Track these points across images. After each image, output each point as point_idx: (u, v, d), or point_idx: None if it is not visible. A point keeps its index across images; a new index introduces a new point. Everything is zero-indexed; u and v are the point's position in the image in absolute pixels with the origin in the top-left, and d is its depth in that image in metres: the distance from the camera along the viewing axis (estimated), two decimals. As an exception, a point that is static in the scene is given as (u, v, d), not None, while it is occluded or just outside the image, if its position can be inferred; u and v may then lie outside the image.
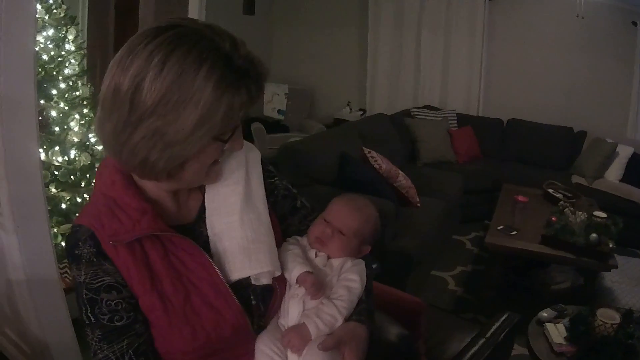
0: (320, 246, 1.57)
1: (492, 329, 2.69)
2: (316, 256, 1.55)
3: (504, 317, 2.81)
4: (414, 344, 2.21)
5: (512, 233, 4.42)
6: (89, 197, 1.41)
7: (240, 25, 8.55)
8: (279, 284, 1.47)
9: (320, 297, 1.45)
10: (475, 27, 7.68)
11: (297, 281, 1.46)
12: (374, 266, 3.00)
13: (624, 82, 7.03)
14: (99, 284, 1.28)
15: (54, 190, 3.57)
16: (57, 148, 3.55)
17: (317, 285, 1.45)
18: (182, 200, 1.47)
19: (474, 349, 2.52)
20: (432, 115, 7.56)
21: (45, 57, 3.60)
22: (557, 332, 3.07)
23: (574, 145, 7.01)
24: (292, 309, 1.45)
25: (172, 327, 1.30)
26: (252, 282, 1.41)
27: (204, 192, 1.47)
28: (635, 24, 6.82)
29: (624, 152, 6.45)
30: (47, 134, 3.50)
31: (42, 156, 3.32)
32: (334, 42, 9.13)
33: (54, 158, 3.55)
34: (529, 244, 4.25)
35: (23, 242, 2.86)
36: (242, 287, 1.41)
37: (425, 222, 4.89)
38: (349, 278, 1.51)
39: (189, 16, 7.01)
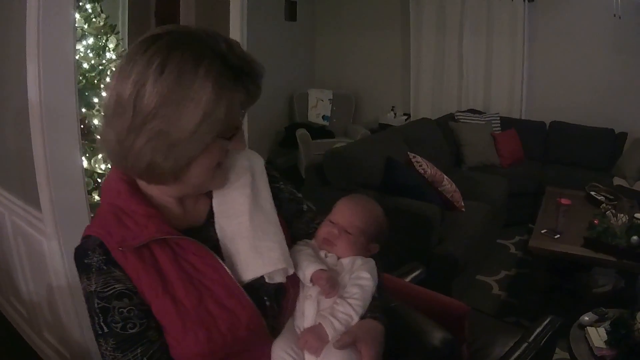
0: (328, 247, 1.59)
1: (535, 334, 2.73)
2: (326, 257, 1.58)
3: (546, 322, 2.85)
4: (457, 348, 2.25)
5: (556, 236, 4.41)
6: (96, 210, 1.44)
7: (282, 31, 8.64)
8: (292, 283, 1.48)
9: (335, 294, 1.47)
10: (516, 29, 7.65)
11: (311, 279, 1.48)
12: (419, 271, 3.10)
13: (664, 82, 6.94)
14: (110, 291, 1.28)
15: (97, 197, 3.58)
16: (100, 156, 3.59)
17: (332, 282, 1.47)
18: (189, 206, 1.48)
19: (517, 354, 2.58)
20: (476, 118, 7.55)
21: (86, 65, 3.62)
22: (597, 336, 3.06)
23: (615, 147, 6.95)
24: (308, 310, 1.47)
25: (186, 330, 1.30)
26: (267, 280, 1.42)
27: (212, 198, 1.49)
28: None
29: (664, 153, 6.35)
30: (89, 142, 3.53)
31: (85, 164, 3.37)
32: (377, 47, 9.13)
33: (97, 166, 3.59)
34: (571, 247, 4.24)
35: (65, 249, 2.93)
36: (255, 288, 1.42)
37: (470, 226, 4.91)
38: (361, 276, 1.53)
39: (230, 22, 7.15)
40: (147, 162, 1.24)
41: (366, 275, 1.53)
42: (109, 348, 1.28)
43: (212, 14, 8.76)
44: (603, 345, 3.02)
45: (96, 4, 3.72)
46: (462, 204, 5.17)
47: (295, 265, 1.49)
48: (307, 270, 1.48)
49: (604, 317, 3.28)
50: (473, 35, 8.07)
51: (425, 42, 8.52)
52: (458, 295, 4.32)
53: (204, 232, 1.46)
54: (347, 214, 1.65)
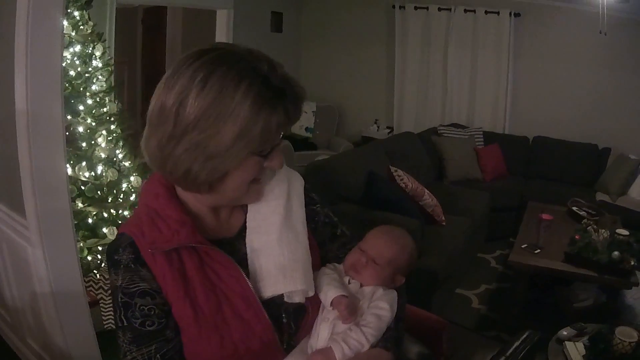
0: (354, 274, 1.60)
1: (512, 348, 2.71)
2: (349, 282, 1.58)
3: (524, 336, 2.82)
4: (434, 362, 2.24)
5: (536, 251, 4.41)
6: (134, 210, 1.50)
7: (268, 42, 8.62)
8: (312, 304, 1.50)
9: (351, 321, 1.47)
10: (502, 44, 7.70)
11: (331, 303, 1.48)
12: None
13: (648, 98, 6.99)
14: (135, 289, 1.34)
15: (80, 205, 3.61)
16: (84, 163, 3.60)
17: (351, 309, 1.47)
18: (224, 217, 1.52)
19: (493, 368, 2.57)
20: (459, 133, 7.58)
21: (72, 73, 3.64)
22: (576, 351, 3.04)
23: (599, 162, 7.01)
24: (322, 332, 1.48)
25: (201, 335, 1.35)
26: (285, 299, 1.45)
27: (247, 212, 1.52)
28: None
29: (648, 168, 6.39)
30: (74, 149, 3.54)
31: (69, 171, 3.36)
32: (362, 60, 9.15)
33: (81, 173, 3.60)
34: (552, 262, 4.24)
35: (49, 256, 2.91)
36: (275, 304, 1.44)
37: (451, 240, 4.90)
38: (379, 306, 1.53)
39: (217, 32, 7.23)
40: (184, 169, 1.28)
41: (385, 305, 1.54)
42: (125, 340, 1.35)
43: (199, 24, 8.78)
44: (581, 360, 3.01)
45: (84, 12, 3.72)
46: (443, 218, 5.16)
47: (319, 288, 1.52)
48: (329, 293, 1.49)
49: (583, 331, 3.28)
50: (458, 49, 8.10)
51: (410, 56, 8.55)
52: (438, 309, 4.30)
53: (235, 245, 1.50)
54: (378, 244, 1.66)
